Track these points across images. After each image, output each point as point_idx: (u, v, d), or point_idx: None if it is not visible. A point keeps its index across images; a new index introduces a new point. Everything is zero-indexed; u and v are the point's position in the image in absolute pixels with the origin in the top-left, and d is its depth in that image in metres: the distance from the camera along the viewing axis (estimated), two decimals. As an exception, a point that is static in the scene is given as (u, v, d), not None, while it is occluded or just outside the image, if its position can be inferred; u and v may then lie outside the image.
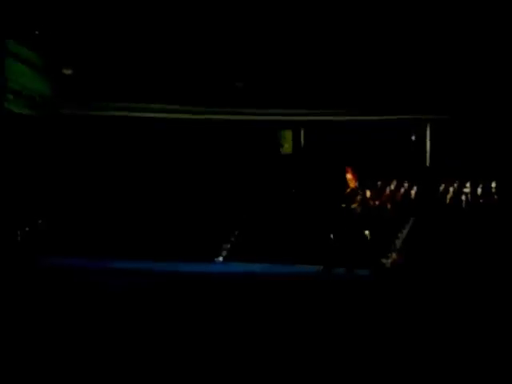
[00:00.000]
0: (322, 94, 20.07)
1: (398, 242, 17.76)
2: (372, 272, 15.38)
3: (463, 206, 18.27)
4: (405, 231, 18.09)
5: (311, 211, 18.93)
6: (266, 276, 15.15)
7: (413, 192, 18.90)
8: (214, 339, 8.27)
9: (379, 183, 19.00)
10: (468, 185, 18.47)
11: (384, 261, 16.86)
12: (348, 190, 10.15)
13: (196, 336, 8.46)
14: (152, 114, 20.51)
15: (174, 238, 18.34)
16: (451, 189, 18.42)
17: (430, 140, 20.14)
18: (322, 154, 20.83)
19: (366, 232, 10.34)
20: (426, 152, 20.17)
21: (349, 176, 10.30)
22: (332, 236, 10.61)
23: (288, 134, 21.84)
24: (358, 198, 10.10)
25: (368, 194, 18.67)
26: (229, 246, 19.07)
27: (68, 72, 19.86)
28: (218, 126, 21.00)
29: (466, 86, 18.84)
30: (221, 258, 18.66)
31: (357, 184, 10.29)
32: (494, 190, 18.15)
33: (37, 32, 18.54)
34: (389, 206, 18.54)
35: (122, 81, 20.02)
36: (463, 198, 18.32)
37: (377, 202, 18.50)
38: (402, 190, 19.02)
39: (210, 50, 20.05)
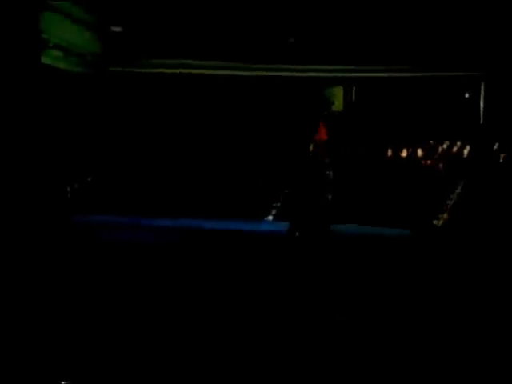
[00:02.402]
0: (375, 51, 19.65)
1: (450, 203, 17.44)
2: (416, 232, 15.18)
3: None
4: (457, 191, 17.74)
5: (360, 170, 18.73)
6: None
7: (466, 151, 18.46)
8: (262, 298, 8.36)
9: (431, 142, 18.66)
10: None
11: (435, 221, 16.62)
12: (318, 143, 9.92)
13: (245, 296, 8.57)
14: (200, 71, 20.41)
15: (223, 197, 18.35)
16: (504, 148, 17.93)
17: (484, 98, 19.61)
18: (373, 112, 20.52)
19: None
20: (479, 110, 19.67)
21: (322, 130, 10.06)
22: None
23: (339, 92, 21.55)
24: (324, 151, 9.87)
25: (420, 153, 18.36)
26: (279, 204, 18.99)
27: (117, 29, 19.88)
28: (268, 83, 20.81)
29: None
30: (270, 217, 18.59)
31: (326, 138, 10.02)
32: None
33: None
34: (441, 165, 18.18)
35: (171, 37, 19.93)
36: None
37: (429, 162, 18.20)
38: (455, 149, 18.61)
39: (261, 5, 19.75)
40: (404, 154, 18.75)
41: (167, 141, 20.04)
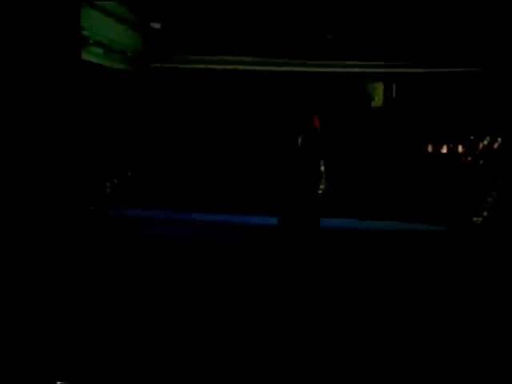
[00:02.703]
0: (416, 46, 19.49)
1: (490, 200, 17.20)
2: (454, 229, 15.03)
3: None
4: (498, 188, 17.48)
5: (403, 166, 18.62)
6: (367, 232, 14.94)
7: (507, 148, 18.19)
8: (315, 293, 8.49)
9: (472, 138, 18.44)
10: None
11: (475, 219, 16.42)
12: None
13: (298, 291, 8.71)
14: (239, 67, 20.48)
15: (269, 193, 18.38)
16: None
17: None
18: (413, 108, 20.34)
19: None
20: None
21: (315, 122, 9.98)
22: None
23: (379, 87, 21.40)
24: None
25: (460, 149, 18.16)
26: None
27: (156, 26, 20.06)
28: (306, 79, 20.78)
29: None
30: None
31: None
32: None
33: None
34: (481, 162, 17.95)
35: (210, 33, 20.06)
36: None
37: (469, 158, 17.99)
38: (496, 145, 18.34)
39: (301, 1, 19.70)
40: (444, 149, 18.58)
41: (206, 137, 20.19)
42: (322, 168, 9.53)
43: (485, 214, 16.74)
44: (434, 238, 14.04)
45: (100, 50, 17.19)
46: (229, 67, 20.48)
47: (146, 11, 19.57)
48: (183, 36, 20.22)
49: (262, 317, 7.69)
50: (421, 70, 19.95)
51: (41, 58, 14.55)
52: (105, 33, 17.23)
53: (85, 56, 15.78)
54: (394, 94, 21.13)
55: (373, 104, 21.27)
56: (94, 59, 16.67)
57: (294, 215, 9.14)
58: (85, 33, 15.61)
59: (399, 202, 17.34)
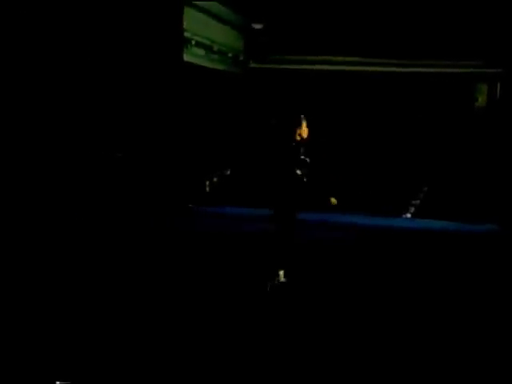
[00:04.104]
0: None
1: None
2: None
3: None
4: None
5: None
6: (455, 233, 14.63)
7: None
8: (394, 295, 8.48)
9: None
10: None
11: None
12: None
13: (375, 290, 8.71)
14: (341, 67, 20.47)
15: (361, 192, 18.28)
16: None
17: None
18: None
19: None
20: None
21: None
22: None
23: (483, 87, 20.92)
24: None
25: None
26: (418, 201, 18.70)
27: (258, 27, 20.27)
28: (408, 79, 20.55)
29: None
30: (409, 215, 18.32)
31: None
32: None
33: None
34: None
35: (311, 34, 20.11)
36: None
37: None
38: None
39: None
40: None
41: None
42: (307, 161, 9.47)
43: None
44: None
45: (201, 52, 17.53)
46: (332, 68, 20.46)
47: (248, 12, 19.78)
48: (284, 36, 20.35)
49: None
50: None
51: (144, 59, 15.04)
52: (207, 34, 17.55)
53: (187, 57, 16.16)
54: (498, 95, 20.63)
55: (476, 104, 20.84)
56: (195, 60, 16.99)
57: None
58: (187, 34, 15.96)
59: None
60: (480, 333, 7.18)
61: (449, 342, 6.87)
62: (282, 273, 8.66)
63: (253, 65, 20.90)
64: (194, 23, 16.30)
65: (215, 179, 17.86)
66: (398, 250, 11.99)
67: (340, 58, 20.48)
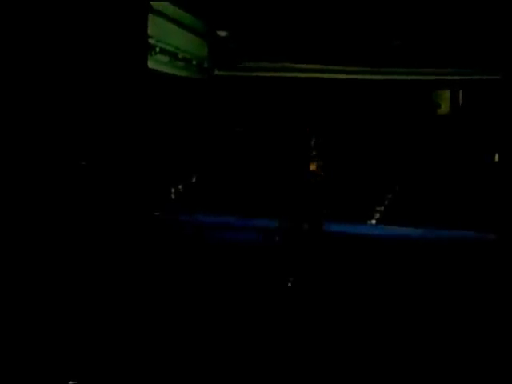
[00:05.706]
0: (481, 53, 19.15)
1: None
2: (503, 236, 14.61)
3: None
4: None
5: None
6: (419, 240, 14.75)
7: None
8: (363, 301, 8.42)
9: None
10: None
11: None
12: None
13: (346, 298, 8.67)
14: (302, 74, 20.49)
15: (327, 199, 18.32)
16: None
17: None
18: (480, 116, 19.98)
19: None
20: None
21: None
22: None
23: (445, 94, 21.10)
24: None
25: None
26: (382, 208, 18.80)
27: (223, 34, 20.24)
28: (371, 86, 20.66)
29: None
30: (373, 221, 18.43)
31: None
32: None
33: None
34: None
35: (274, 41, 20.13)
36: None
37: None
38: None
39: (367, 8, 19.59)
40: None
41: (269, 143, 20.21)
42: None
43: None
44: (481, 246, 13.73)
45: (166, 58, 17.44)
46: (294, 75, 20.50)
47: (212, 19, 19.75)
48: (248, 44, 20.35)
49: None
50: (488, 77, 19.58)
51: (108, 66, 14.86)
52: (171, 41, 17.48)
53: (151, 64, 16.04)
54: (460, 102, 20.82)
55: (439, 112, 21.01)
56: (159, 67, 16.90)
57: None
58: (151, 41, 15.86)
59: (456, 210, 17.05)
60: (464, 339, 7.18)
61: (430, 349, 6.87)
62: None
63: (217, 72, 20.86)
64: (158, 30, 16.21)
65: (180, 186, 17.78)
66: (364, 256, 12.01)
67: (303, 66, 20.51)
